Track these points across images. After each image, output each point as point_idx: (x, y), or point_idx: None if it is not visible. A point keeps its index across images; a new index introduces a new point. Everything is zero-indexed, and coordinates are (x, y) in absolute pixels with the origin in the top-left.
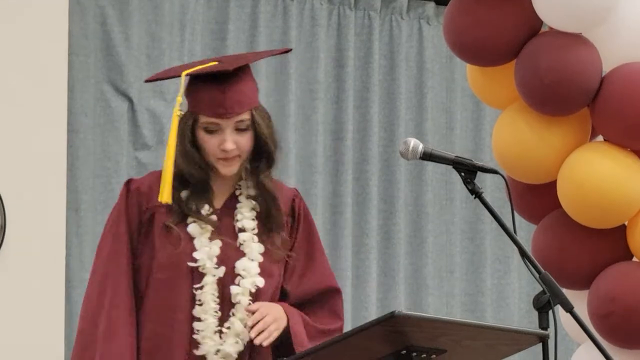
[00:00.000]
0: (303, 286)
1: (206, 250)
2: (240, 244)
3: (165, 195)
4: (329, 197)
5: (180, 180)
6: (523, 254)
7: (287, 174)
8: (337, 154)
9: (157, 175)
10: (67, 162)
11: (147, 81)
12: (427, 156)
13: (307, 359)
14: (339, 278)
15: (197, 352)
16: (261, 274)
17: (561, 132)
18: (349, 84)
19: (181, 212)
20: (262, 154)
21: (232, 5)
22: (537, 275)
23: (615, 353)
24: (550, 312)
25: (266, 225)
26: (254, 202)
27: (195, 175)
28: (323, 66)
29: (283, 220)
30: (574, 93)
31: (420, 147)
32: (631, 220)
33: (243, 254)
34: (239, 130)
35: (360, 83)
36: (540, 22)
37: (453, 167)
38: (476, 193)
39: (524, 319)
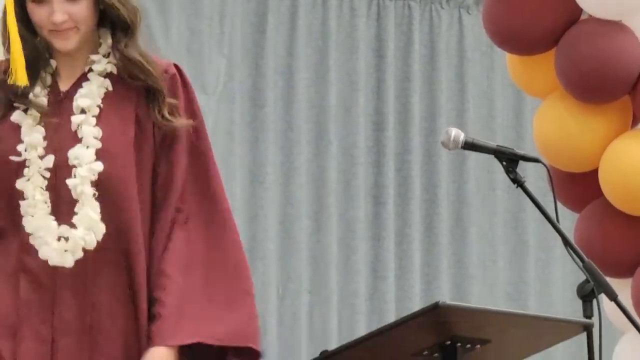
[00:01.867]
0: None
1: (27, 140)
2: (76, 129)
3: (18, 75)
4: (371, 189)
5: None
6: (566, 242)
7: (329, 165)
8: (379, 145)
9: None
10: None
11: None
12: (469, 146)
13: (352, 350)
14: (382, 269)
15: (35, 262)
16: (101, 159)
17: (602, 120)
18: (389, 75)
19: (7, 99)
20: (116, 23)
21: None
22: (580, 263)
23: None
24: (595, 300)
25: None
26: (107, 80)
27: (27, 55)
28: (363, 57)
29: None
30: (614, 81)
31: (462, 136)
32: None
33: (79, 141)
34: None
35: (400, 73)
36: (579, 10)
37: (495, 157)
38: (518, 182)
39: (568, 308)
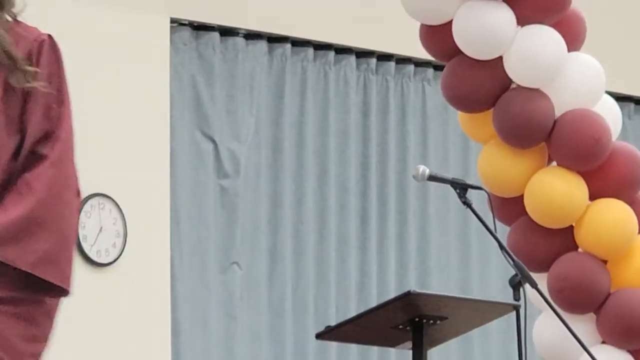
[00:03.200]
0: None
1: None
2: None
3: None
4: (359, 210)
5: None
6: (502, 247)
7: (329, 193)
8: (364, 179)
9: None
10: (170, 187)
11: None
12: (432, 178)
13: (347, 325)
14: (367, 269)
15: None
16: None
17: (526, 160)
18: (372, 128)
19: None
20: None
21: (287, 74)
22: (511, 262)
23: (567, 317)
24: (521, 289)
25: None
26: None
27: None
28: (353, 116)
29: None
30: (534, 132)
31: (427, 171)
32: (576, 222)
33: None
34: None
35: (380, 127)
36: (509, 81)
37: (451, 186)
38: (467, 204)
39: (502, 295)
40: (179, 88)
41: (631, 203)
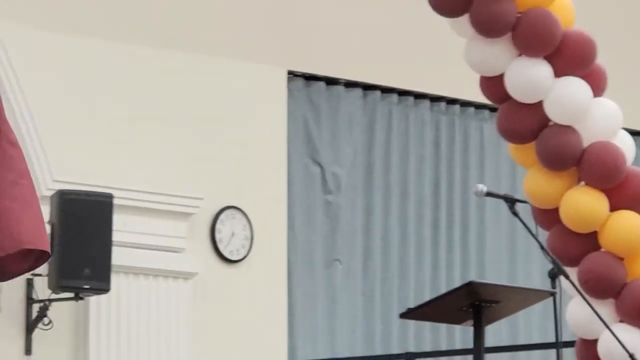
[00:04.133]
0: None
1: None
2: None
3: None
4: (432, 222)
5: None
6: (542, 247)
7: (409, 215)
8: (436, 200)
9: None
10: (287, 201)
11: None
12: (489, 194)
13: (424, 307)
14: (441, 267)
15: None
16: None
17: (561, 181)
18: (442, 157)
19: None
20: None
21: (377, 114)
22: (550, 259)
23: (592, 302)
24: (557, 279)
25: None
26: None
27: None
28: (427, 147)
29: None
30: (568, 159)
31: (485, 189)
32: (599, 228)
33: None
34: None
35: (449, 157)
36: (548, 119)
37: (503, 200)
38: (515, 214)
39: (542, 285)
40: (294, 125)
41: None
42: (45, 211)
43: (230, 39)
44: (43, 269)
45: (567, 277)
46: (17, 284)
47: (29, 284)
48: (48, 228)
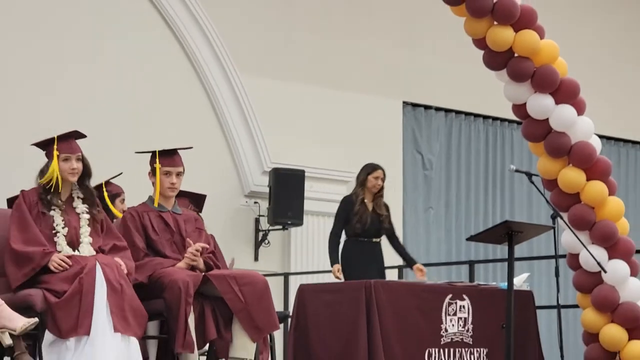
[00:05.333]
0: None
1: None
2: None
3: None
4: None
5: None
6: (547, 201)
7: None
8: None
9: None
10: (402, 174)
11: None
12: (517, 170)
13: (477, 237)
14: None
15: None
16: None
17: (559, 163)
18: (492, 154)
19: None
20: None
21: (454, 130)
22: (552, 207)
23: (576, 232)
24: (556, 220)
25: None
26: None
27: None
28: (483, 147)
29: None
30: (562, 151)
31: (514, 167)
32: (580, 190)
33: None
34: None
35: (495, 152)
36: (552, 128)
37: (525, 174)
38: (532, 182)
39: (547, 222)
40: (406, 132)
41: (607, 184)
42: (266, 180)
43: (362, 78)
44: (264, 211)
45: (562, 218)
46: (249, 220)
47: (257, 220)
48: (268, 190)
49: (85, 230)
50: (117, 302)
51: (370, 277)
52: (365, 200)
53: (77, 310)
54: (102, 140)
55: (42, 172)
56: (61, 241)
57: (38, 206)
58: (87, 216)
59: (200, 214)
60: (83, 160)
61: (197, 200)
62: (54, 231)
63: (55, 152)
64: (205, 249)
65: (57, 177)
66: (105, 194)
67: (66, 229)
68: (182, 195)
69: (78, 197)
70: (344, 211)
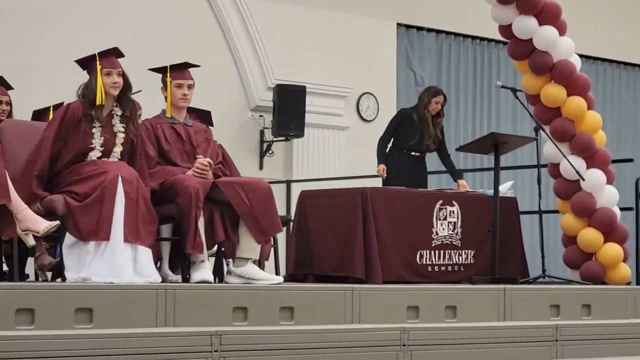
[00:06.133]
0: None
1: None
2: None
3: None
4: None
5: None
6: (531, 115)
7: None
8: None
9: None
10: (396, 88)
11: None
12: (503, 86)
13: (466, 146)
14: None
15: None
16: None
17: (542, 80)
18: (480, 71)
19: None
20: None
21: (444, 49)
22: (535, 120)
23: (557, 144)
24: (539, 132)
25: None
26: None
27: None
28: (471, 65)
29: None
30: (545, 68)
31: (500, 84)
32: (562, 104)
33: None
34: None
35: (483, 69)
36: (536, 48)
37: (510, 90)
38: (517, 97)
39: (531, 134)
40: (400, 51)
41: (586, 99)
42: (270, 95)
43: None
44: (269, 123)
45: (544, 130)
46: (255, 132)
47: (262, 132)
48: (272, 104)
49: (117, 149)
50: (132, 214)
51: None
52: (428, 120)
53: (97, 216)
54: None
55: (87, 87)
56: (94, 154)
57: (82, 122)
58: (123, 135)
59: (211, 127)
60: (123, 75)
61: (203, 116)
62: (91, 146)
63: (99, 67)
64: (210, 164)
65: (101, 91)
66: None
67: (102, 147)
68: (189, 111)
69: (117, 115)
70: (396, 122)
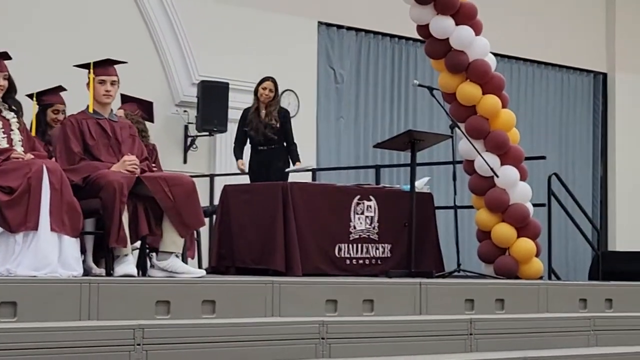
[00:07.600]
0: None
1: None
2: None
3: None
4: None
5: None
6: (447, 113)
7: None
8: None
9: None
10: (316, 86)
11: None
12: (420, 85)
13: (384, 144)
14: None
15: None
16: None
17: (457, 79)
18: (398, 69)
19: None
20: None
21: (363, 47)
22: (450, 118)
23: (472, 140)
24: (454, 129)
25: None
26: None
27: None
28: (389, 63)
29: None
30: (462, 67)
31: (417, 82)
32: (477, 103)
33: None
34: None
35: (400, 68)
36: (452, 48)
37: (427, 88)
38: (434, 96)
39: (446, 132)
40: (321, 48)
41: (501, 97)
42: (195, 91)
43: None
44: (193, 119)
45: (459, 128)
46: (179, 127)
47: (186, 127)
48: (196, 100)
49: (16, 135)
50: (56, 204)
51: (271, 181)
52: (262, 111)
53: (25, 208)
54: (40, 54)
55: None
56: (4, 143)
57: None
58: (17, 123)
59: (152, 123)
60: (9, 79)
61: (145, 107)
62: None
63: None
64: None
65: None
66: (35, 103)
67: (8, 145)
68: (130, 100)
69: (5, 109)
70: (240, 122)
